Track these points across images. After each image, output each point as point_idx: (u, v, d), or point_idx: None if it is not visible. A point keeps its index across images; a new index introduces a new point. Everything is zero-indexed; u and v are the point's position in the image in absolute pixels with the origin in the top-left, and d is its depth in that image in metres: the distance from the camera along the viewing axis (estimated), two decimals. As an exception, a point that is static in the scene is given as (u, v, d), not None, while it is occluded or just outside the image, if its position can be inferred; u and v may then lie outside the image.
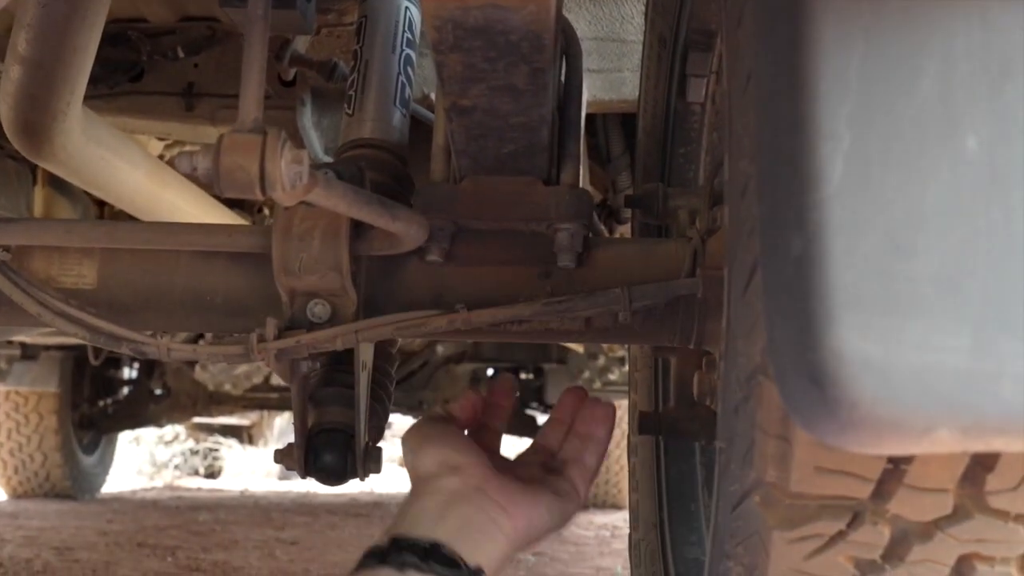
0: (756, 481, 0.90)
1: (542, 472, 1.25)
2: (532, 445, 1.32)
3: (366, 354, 1.33)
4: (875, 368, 0.67)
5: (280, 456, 1.40)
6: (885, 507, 0.88)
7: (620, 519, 5.70)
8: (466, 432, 1.27)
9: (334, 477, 1.37)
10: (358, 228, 1.26)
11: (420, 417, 1.27)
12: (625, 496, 6.04)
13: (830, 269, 0.68)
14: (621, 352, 4.69)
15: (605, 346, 4.70)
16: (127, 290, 1.36)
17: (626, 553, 2.08)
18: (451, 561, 1.09)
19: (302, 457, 1.36)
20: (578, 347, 4.66)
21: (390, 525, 1.14)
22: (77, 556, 4.35)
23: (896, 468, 0.86)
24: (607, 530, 5.50)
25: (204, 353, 1.27)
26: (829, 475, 0.87)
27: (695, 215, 1.48)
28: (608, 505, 6.27)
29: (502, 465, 1.23)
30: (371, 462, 1.37)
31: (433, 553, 1.09)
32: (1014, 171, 0.69)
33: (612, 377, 4.88)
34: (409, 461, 1.21)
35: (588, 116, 2.20)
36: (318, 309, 1.27)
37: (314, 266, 1.24)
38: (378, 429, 1.40)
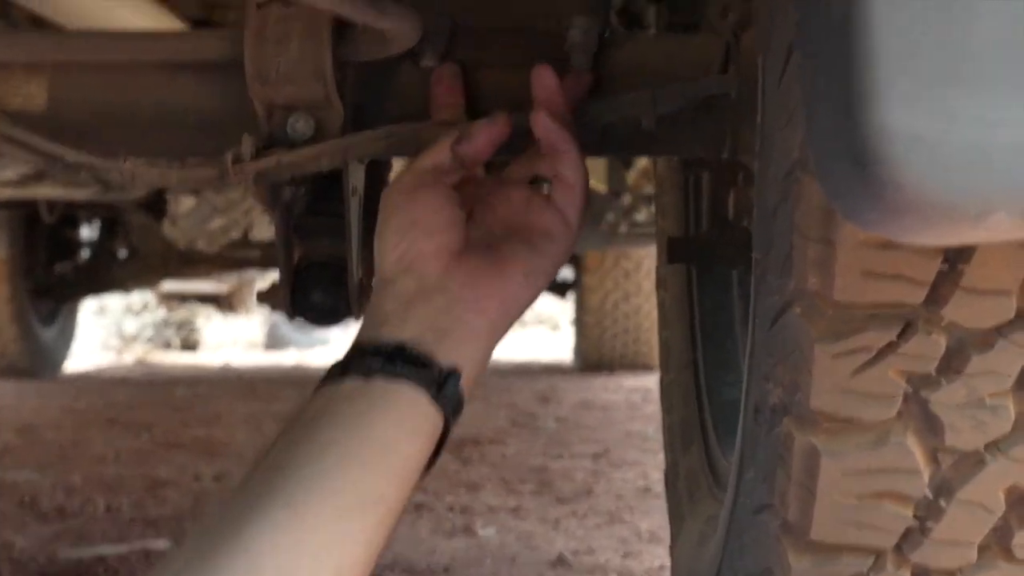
0: (796, 291, 0.93)
1: (521, 213, 1.23)
2: (505, 180, 1.29)
3: (356, 177, 1.34)
4: (925, 145, 0.68)
5: (264, 296, 1.44)
6: (940, 314, 0.90)
7: (651, 382, 5.77)
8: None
9: (326, 316, 1.41)
10: (341, 30, 1.26)
11: (399, 175, 1.24)
12: (657, 355, 6.12)
13: (874, 34, 0.68)
14: (648, 189, 4.69)
15: (630, 183, 4.70)
16: (82, 110, 1.37)
17: (658, 418, 2.12)
18: (421, 361, 1.10)
19: (289, 295, 1.39)
20: (599, 186, 4.65)
21: (356, 333, 1.15)
22: (41, 435, 4.44)
23: (952, 268, 0.89)
24: (638, 393, 5.59)
25: (173, 176, 1.28)
26: (876, 280, 0.89)
27: (727, 9, 1.48)
28: (639, 366, 6.36)
29: (476, 228, 1.22)
30: (366, 299, 1.40)
31: (400, 354, 1.10)
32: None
33: (639, 217, 4.88)
34: (376, 243, 1.21)
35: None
36: (300, 124, 1.28)
37: (293, 73, 1.25)
38: (372, 262, 1.43)
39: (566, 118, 1.21)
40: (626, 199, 4.80)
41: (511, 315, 1.19)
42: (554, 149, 1.19)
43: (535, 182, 1.24)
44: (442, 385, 1.10)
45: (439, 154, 1.20)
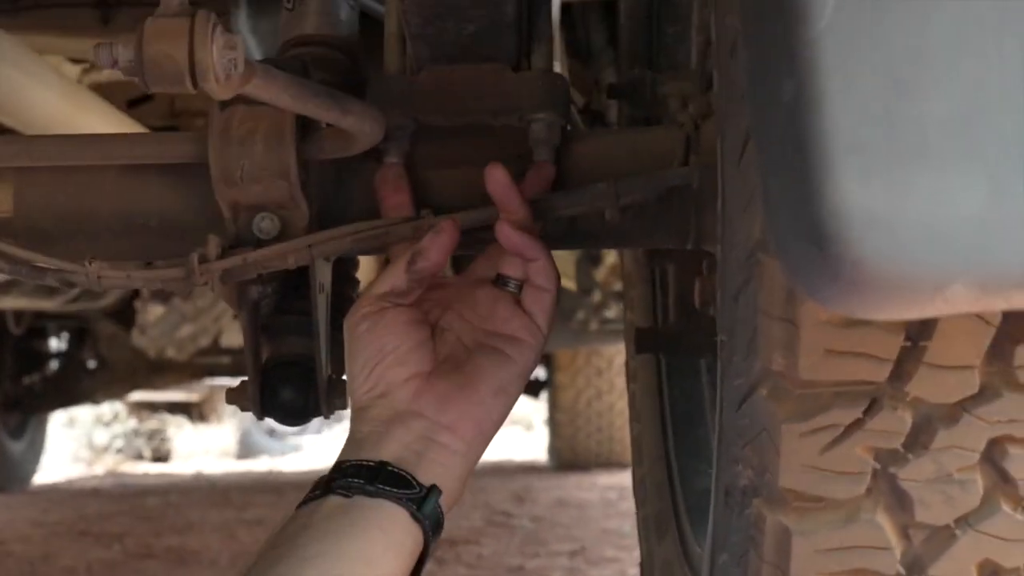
0: (762, 372, 0.93)
1: (488, 319, 1.24)
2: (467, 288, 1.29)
3: (323, 274, 1.35)
4: (880, 221, 0.69)
5: (233, 396, 1.43)
6: (905, 390, 0.91)
7: (626, 479, 5.75)
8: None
9: (294, 415, 1.40)
10: (305, 129, 1.28)
11: (358, 301, 1.26)
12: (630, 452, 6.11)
13: (826, 113, 0.70)
14: (618, 285, 4.71)
15: (600, 279, 4.73)
16: (48, 215, 1.38)
17: (633, 515, 2.12)
18: (402, 479, 1.12)
19: (257, 394, 1.39)
20: (570, 284, 4.68)
21: (336, 457, 1.17)
22: (10, 549, 4.39)
23: (915, 345, 0.89)
24: (613, 491, 5.57)
25: (139, 278, 1.28)
26: (841, 358, 0.90)
27: (687, 101, 1.50)
28: (613, 464, 6.35)
29: (443, 343, 1.24)
30: (335, 396, 1.40)
31: (381, 473, 1.13)
32: (1028, -1, 0.71)
33: (609, 314, 4.91)
34: (347, 371, 1.24)
35: (564, 6, 2.22)
36: (265, 224, 1.29)
37: (258, 173, 1.26)
38: (341, 359, 1.43)
39: (526, 220, 1.22)
40: (596, 296, 4.84)
41: (486, 434, 1.21)
42: (523, 257, 1.21)
43: (500, 280, 1.25)
44: (422, 503, 1.13)
45: (395, 278, 1.22)
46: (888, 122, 0.70)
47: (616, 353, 6.05)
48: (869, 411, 0.92)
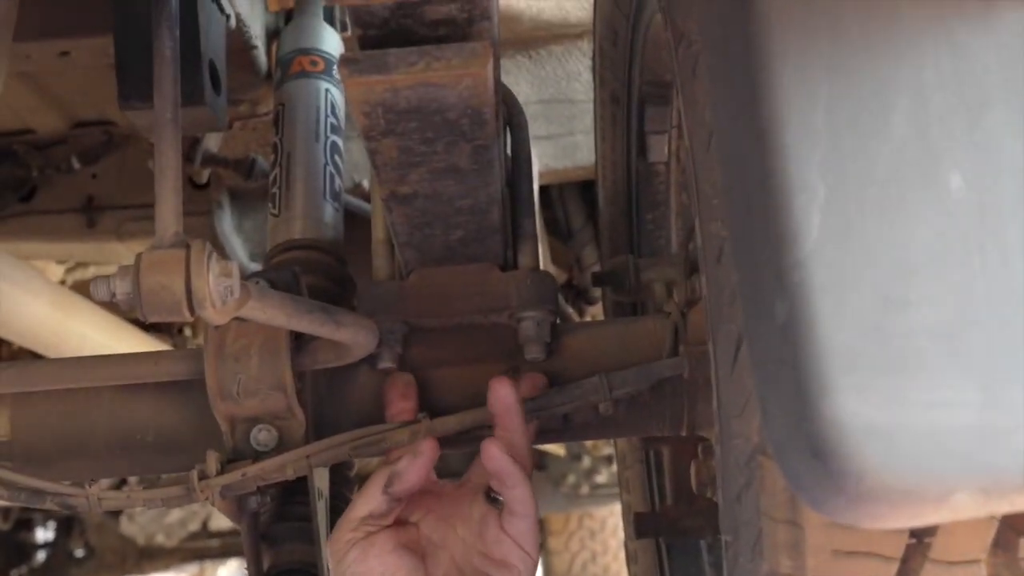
0: (770, 574, 0.93)
1: (480, 539, 1.24)
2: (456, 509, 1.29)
3: (321, 481, 1.35)
4: (879, 433, 0.71)
5: (237, 606, 1.42)
6: (913, 587, 0.91)
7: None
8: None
9: (299, 624, 1.39)
10: (299, 340, 1.29)
11: (338, 525, 1.26)
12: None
13: (819, 332, 0.72)
14: (608, 450, 4.70)
15: (589, 445, 4.72)
16: (45, 438, 1.38)
17: None
18: None
19: (261, 604, 1.38)
20: (558, 449, 4.66)
21: None
22: None
23: (920, 542, 0.90)
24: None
25: (140, 498, 1.28)
26: (848, 558, 0.90)
27: (672, 287, 1.53)
28: (611, 633, 6.25)
29: (436, 564, 1.24)
30: (339, 602, 1.39)
31: None
32: (1005, 206, 0.74)
33: (600, 479, 4.88)
34: None
35: (542, 188, 2.26)
36: (263, 436, 1.30)
37: (254, 388, 1.27)
38: (343, 564, 1.42)
39: (523, 438, 1.23)
40: (586, 461, 4.82)
41: None
42: (501, 482, 1.21)
43: (490, 495, 1.25)
44: None
45: (373, 500, 1.22)
46: (880, 337, 0.72)
47: (608, 514, 5.99)
48: (880, 610, 0.92)
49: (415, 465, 1.21)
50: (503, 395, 1.23)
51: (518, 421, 1.23)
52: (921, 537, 0.89)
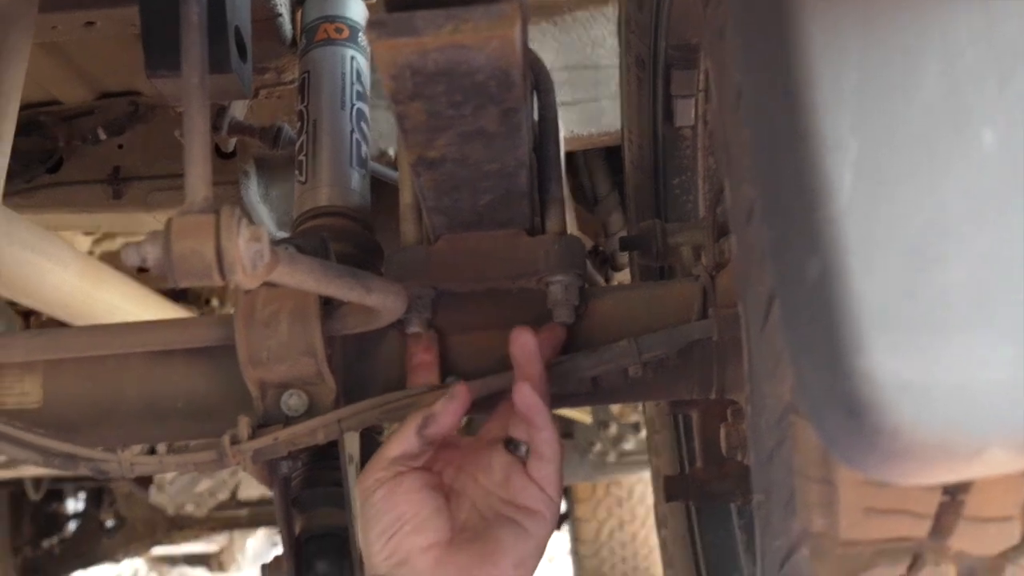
0: (802, 533, 0.93)
1: (503, 487, 1.25)
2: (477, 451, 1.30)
3: (352, 445, 1.36)
4: (914, 390, 0.70)
5: (269, 571, 1.43)
6: (947, 544, 0.91)
7: (655, 609, 5.69)
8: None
9: (331, 586, 1.40)
10: (328, 306, 1.30)
11: (369, 464, 1.26)
12: (658, 582, 6.03)
13: (852, 290, 0.71)
14: (635, 417, 4.71)
15: (616, 412, 4.72)
16: (77, 404, 1.39)
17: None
18: None
19: (293, 569, 1.39)
20: (585, 417, 4.67)
21: None
22: None
23: (953, 499, 0.90)
24: (642, 623, 5.49)
25: (172, 463, 1.29)
26: (881, 516, 0.90)
27: (700, 250, 1.52)
28: (640, 596, 6.26)
29: (460, 508, 1.25)
30: (370, 565, 1.40)
31: None
32: (1038, 162, 0.73)
33: (628, 446, 4.88)
34: (362, 540, 1.24)
35: (568, 155, 2.25)
36: (293, 401, 1.31)
37: (284, 353, 1.27)
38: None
39: (544, 386, 1.23)
40: (613, 428, 4.82)
41: None
42: (530, 422, 1.22)
43: (510, 444, 1.25)
44: None
45: (406, 441, 1.23)
46: (913, 294, 0.71)
47: (636, 482, 6.00)
48: (913, 567, 0.92)
49: (449, 408, 1.22)
50: (524, 342, 1.24)
51: (539, 368, 1.23)
52: (954, 494, 0.89)
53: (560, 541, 10.22)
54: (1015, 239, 0.72)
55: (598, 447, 4.89)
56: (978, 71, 0.74)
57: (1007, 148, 0.73)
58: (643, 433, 4.75)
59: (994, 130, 0.73)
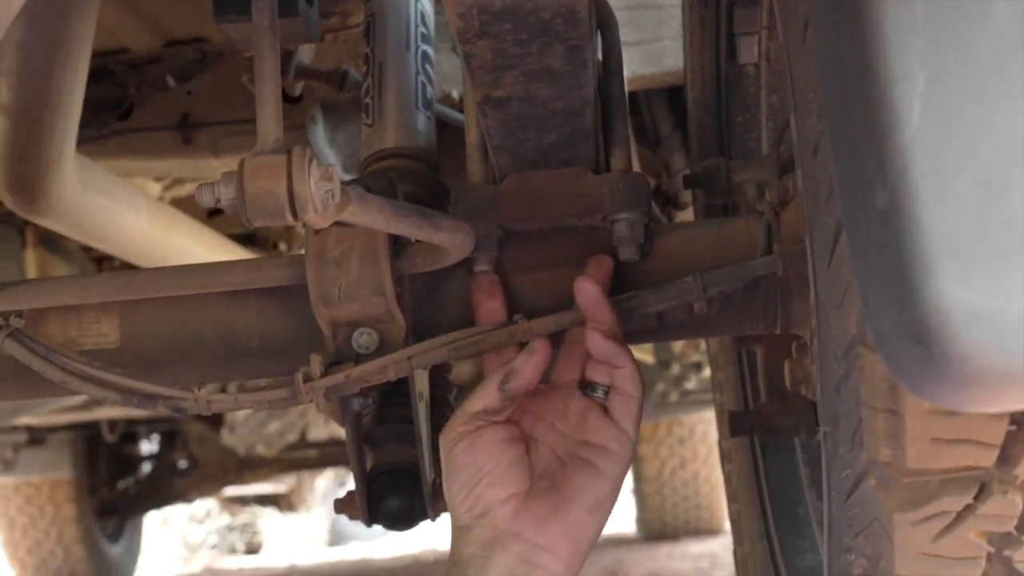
0: (869, 463, 0.94)
1: (579, 429, 1.25)
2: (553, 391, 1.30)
3: (422, 382, 1.36)
4: (983, 318, 0.70)
5: (340, 506, 1.45)
6: (1013, 473, 0.91)
7: (719, 545, 5.70)
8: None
9: (402, 522, 1.42)
10: (397, 245, 1.30)
11: (452, 418, 1.27)
12: (721, 518, 6.04)
13: (921, 218, 0.71)
14: (697, 357, 4.71)
15: (678, 352, 4.72)
16: (153, 344, 1.41)
17: (730, 582, 2.10)
18: None
19: (365, 504, 1.41)
20: (647, 357, 4.67)
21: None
22: (118, 655, 4.41)
23: (1020, 429, 0.89)
24: (705, 559, 5.51)
25: (246, 400, 1.31)
26: (948, 446, 0.90)
27: (763, 187, 1.52)
28: (702, 531, 6.28)
29: (538, 457, 1.26)
30: (440, 500, 1.41)
31: None
32: (1109, 93, 0.72)
33: (689, 386, 4.89)
34: (444, 491, 1.27)
35: (630, 95, 2.24)
36: (364, 339, 1.32)
37: (355, 292, 1.28)
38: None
39: (614, 325, 1.24)
40: (675, 368, 4.83)
41: (583, 551, 1.23)
42: (611, 364, 1.22)
43: (587, 387, 1.26)
44: None
45: (488, 396, 1.24)
46: (981, 223, 0.71)
47: (697, 421, 6.01)
48: (979, 496, 0.92)
49: (531, 363, 1.23)
50: (588, 290, 1.24)
51: (609, 312, 1.24)
52: (1022, 423, 0.89)
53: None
54: (1084, 168, 0.71)
55: (660, 387, 4.90)
56: (1048, -1, 0.73)
57: (1077, 77, 0.72)
58: (705, 372, 4.75)
59: (1066, 57, 0.72)
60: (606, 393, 1.24)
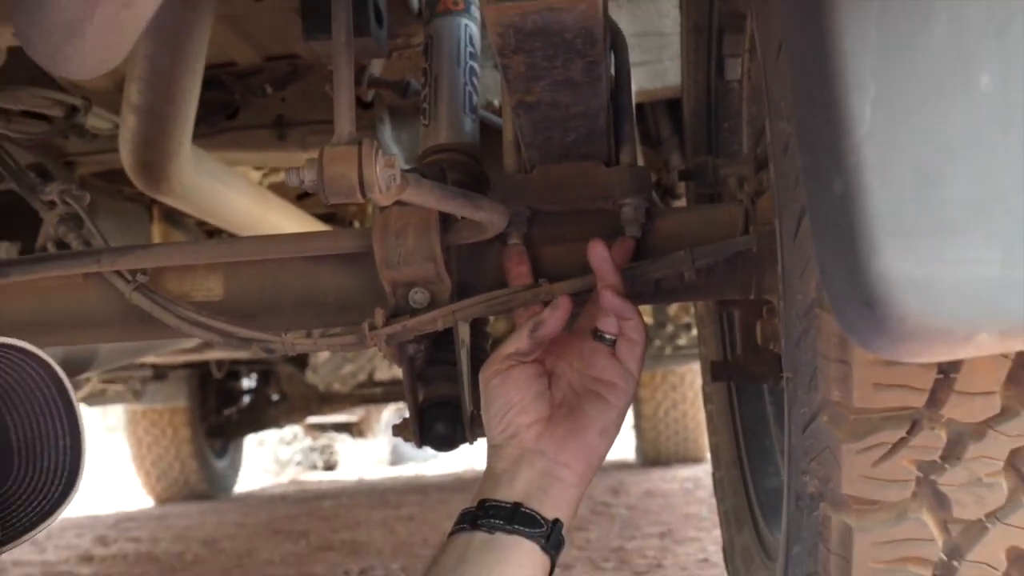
0: (823, 402, 0.93)
1: (591, 367, 1.24)
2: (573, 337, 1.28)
3: (464, 332, 1.36)
4: (918, 285, 0.69)
5: (397, 430, 1.45)
6: (940, 413, 0.90)
7: (701, 471, 5.70)
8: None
9: (446, 444, 1.41)
10: (446, 221, 1.30)
11: (489, 358, 1.26)
12: (703, 449, 6.03)
13: (870, 203, 0.70)
14: (687, 318, 4.69)
15: (671, 314, 4.71)
16: (250, 298, 1.41)
17: (708, 501, 2.10)
18: (533, 518, 1.15)
19: (417, 429, 1.41)
20: (647, 318, 4.66)
21: (478, 488, 1.20)
22: (222, 546, 4.45)
23: (946, 377, 0.88)
24: (690, 481, 5.51)
25: (323, 344, 1.31)
26: (887, 389, 0.89)
27: (743, 180, 1.50)
28: (688, 459, 6.28)
29: (558, 388, 1.24)
30: (477, 428, 1.40)
31: (516, 513, 1.15)
32: (1026, 101, 0.71)
33: (681, 342, 4.88)
34: (482, 416, 1.26)
35: (637, 105, 2.22)
36: (418, 296, 1.31)
37: (411, 258, 1.28)
38: (479, 398, 1.44)
39: (620, 284, 1.23)
40: (669, 327, 4.82)
41: (594, 467, 1.23)
42: (621, 316, 1.21)
43: (598, 335, 1.25)
44: (550, 535, 1.16)
45: (519, 341, 1.23)
46: (920, 207, 0.70)
47: (687, 371, 6.00)
48: (911, 431, 0.91)
49: (555, 315, 1.22)
50: (598, 251, 1.23)
51: (614, 272, 1.23)
52: (947, 372, 0.88)
53: (627, 417, 10.27)
54: (1005, 163, 0.70)
55: (657, 342, 4.90)
56: (978, 25, 0.71)
57: (1000, 88, 0.71)
58: (693, 331, 4.73)
59: (990, 74, 0.71)
60: (613, 341, 1.24)
